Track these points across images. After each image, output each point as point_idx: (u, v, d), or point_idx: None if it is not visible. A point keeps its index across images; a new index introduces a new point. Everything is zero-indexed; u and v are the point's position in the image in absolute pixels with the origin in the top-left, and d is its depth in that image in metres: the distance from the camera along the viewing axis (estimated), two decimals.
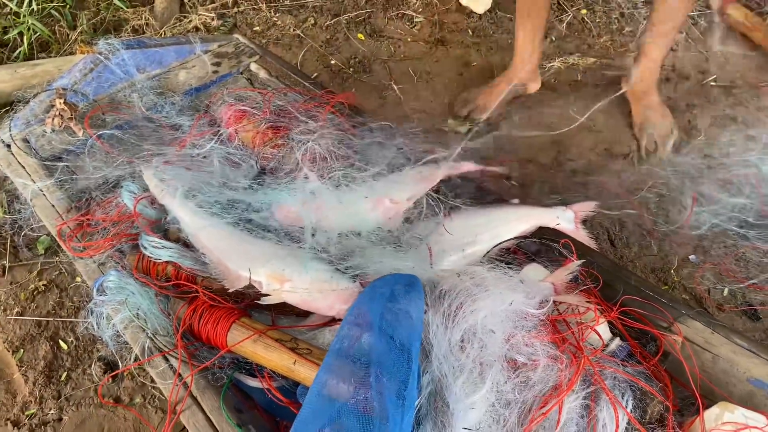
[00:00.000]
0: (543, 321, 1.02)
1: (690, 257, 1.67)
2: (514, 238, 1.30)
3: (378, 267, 1.10)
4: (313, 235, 1.14)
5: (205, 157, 1.37)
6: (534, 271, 1.21)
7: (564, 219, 1.37)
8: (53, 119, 1.49)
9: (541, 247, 1.29)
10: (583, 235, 1.37)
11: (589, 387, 0.96)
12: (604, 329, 1.10)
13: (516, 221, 1.31)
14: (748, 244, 1.66)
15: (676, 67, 2.24)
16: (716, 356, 1.10)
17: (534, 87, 2.06)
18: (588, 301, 1.09)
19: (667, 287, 1.63)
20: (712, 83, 2.19)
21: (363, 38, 2.40)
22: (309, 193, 1.22)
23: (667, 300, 1.18)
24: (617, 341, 1.09)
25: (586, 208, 1.42)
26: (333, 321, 1.10)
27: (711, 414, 0.97)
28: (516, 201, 1.41)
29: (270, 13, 2.51)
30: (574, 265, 1.17)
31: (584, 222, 1.43)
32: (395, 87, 2.17)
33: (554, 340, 1.00)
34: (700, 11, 2.43)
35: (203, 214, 1.17)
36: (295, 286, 1.03)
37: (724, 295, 1.61)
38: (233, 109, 1.52)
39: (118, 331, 1.13)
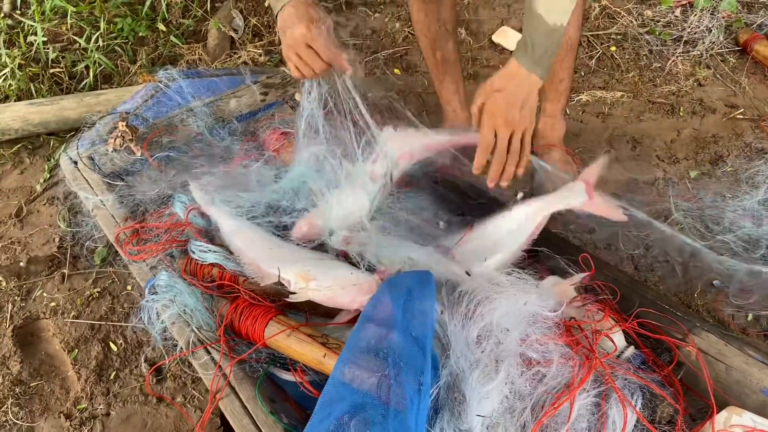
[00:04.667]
0: (558, 324, 1.08)
1: (714, 282, 1.70)
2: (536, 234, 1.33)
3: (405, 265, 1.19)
4: (330, 235, 1.27)
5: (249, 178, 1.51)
6: (553, 283, 1.27)
7: (576, 194, 1.31)
8: (115, 140, 1.65)
9: (561, 263, 1.35)
10: (602, 205, 1.30)
11: (600, 386, 1.01)
12: (619, 338, 1.16)
13: (527, 219, 1.32)
14: None
15: (703, 101, 2.29)
16: (729, 367, 1.13)
17: None
18: (600, 310, 1.15)
19: (690, 311, 1.65)
20: (739, 116, 2.23)
21: (399, 72, 2.54)
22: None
23: (682, 313, 1.23)
24: (631, 349, 1.14)
25: (595, 170, 1.34)
26: None
27: (720, 417, 1.01)
28: (521, 195, 1.38)
29: None
30: (579, 276, 1.22)
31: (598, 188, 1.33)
32: (426, 118, 2.29)
33: (568, 342, 1.06)
34: (728, 48, 2.49)
35: (240, 218, 1.29)
36: (320, 284, 1.13)
37: (749, 319, 1.62)
38: (277, 133, 1.67)
39: (165, 328, 1.24)
